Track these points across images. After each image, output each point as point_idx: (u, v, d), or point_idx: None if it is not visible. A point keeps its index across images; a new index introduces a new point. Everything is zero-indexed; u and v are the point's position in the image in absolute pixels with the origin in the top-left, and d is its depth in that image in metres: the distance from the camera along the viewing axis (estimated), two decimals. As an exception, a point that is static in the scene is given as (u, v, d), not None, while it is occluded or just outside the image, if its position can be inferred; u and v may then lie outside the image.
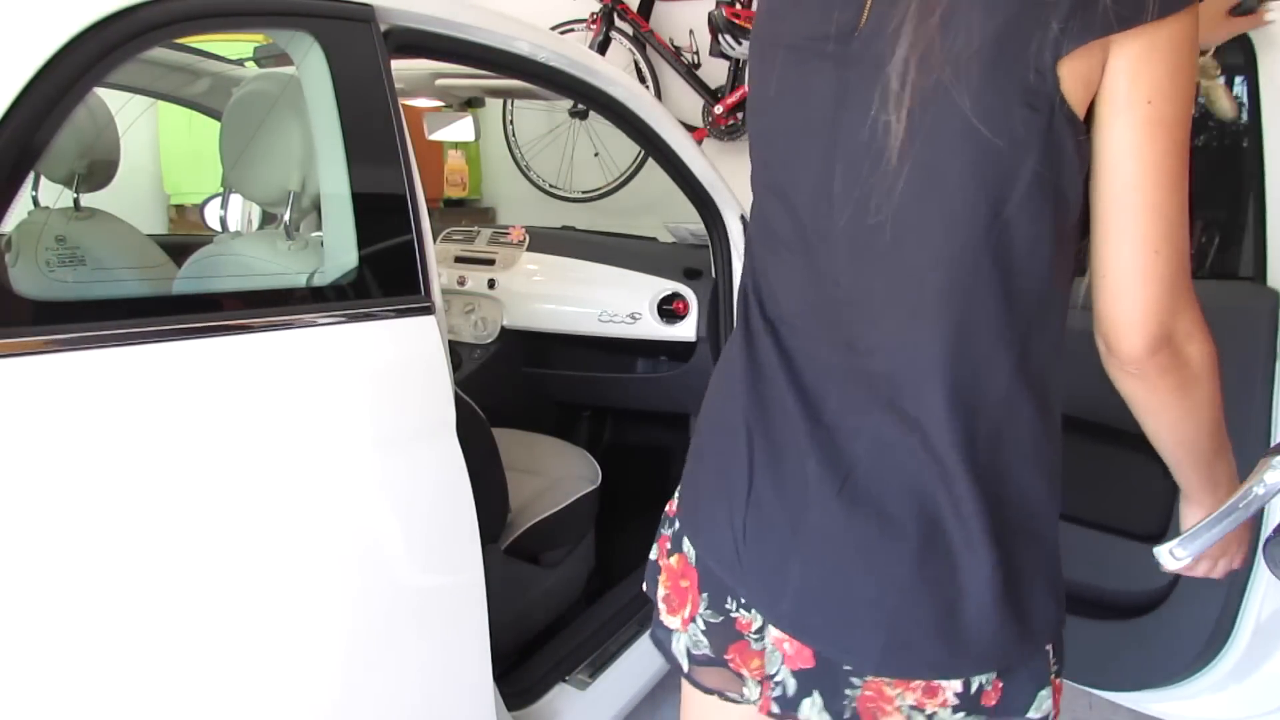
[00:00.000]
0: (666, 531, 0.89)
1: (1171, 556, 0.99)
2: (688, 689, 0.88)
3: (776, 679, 0.76)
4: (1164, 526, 1.31)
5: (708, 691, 0.84)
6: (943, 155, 0.63)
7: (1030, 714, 0.75)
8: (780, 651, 0.76)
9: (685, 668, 0.84)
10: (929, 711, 0.71)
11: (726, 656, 0.81)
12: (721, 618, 0.80)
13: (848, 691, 0.73)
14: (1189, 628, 1.25)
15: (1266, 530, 1.17)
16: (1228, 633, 1.23)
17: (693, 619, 0.82)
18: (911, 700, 0.71)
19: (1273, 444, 1.17)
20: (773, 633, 0.76)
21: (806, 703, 0.75)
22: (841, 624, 0.72)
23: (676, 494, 0.88)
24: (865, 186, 0.65)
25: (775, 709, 0.76)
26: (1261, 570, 1.19)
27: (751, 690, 0.81)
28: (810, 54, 0.69)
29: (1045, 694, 0.76)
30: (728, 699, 0.84)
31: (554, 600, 1.79)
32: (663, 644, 0.86)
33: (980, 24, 0.59)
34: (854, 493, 0.70)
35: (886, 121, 0.63)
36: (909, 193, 0.64)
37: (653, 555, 0.92)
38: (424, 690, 1.16)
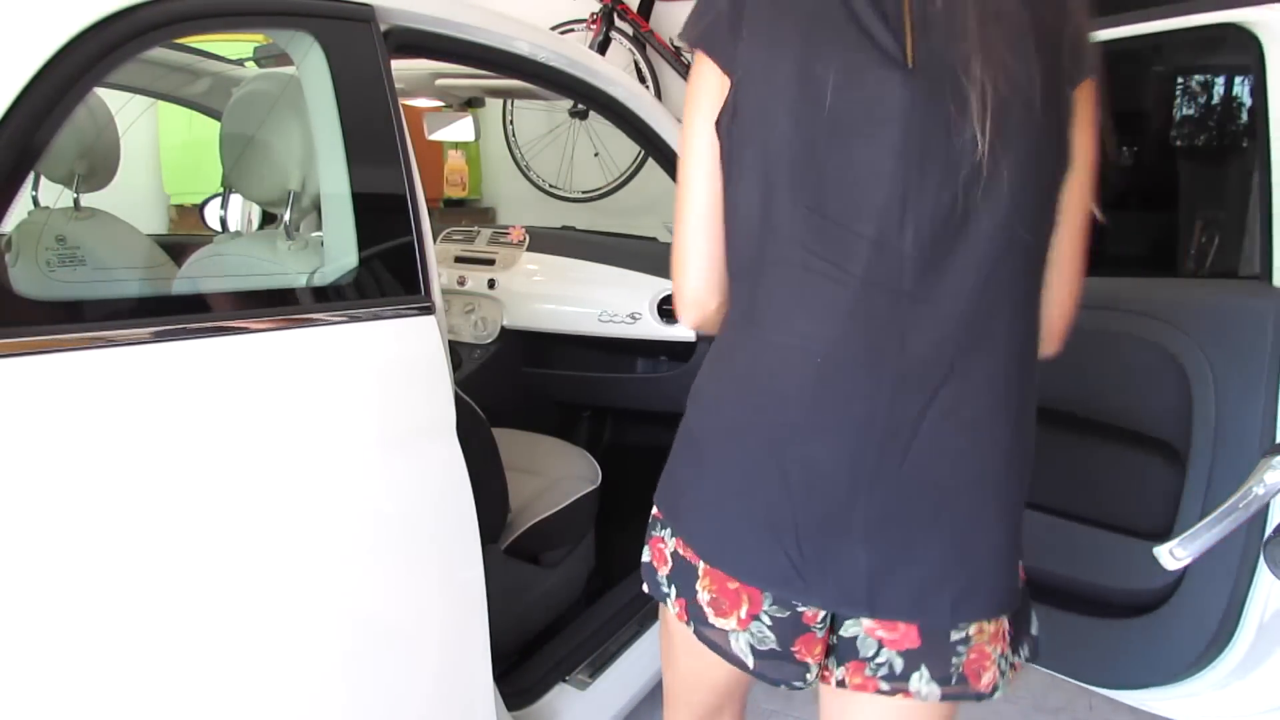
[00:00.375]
0: (664, 534, 0.91)
1: (1172, 556, 0.99)
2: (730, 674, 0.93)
3: (879, 660, 0.83)
4: (1166, 525, 1.31)
5: (774, 683, 0.87)
6: (1023, 163, 0.74)
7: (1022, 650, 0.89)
8: (875, 639, 0.83)
9: (751, 665, 0.86)
10: (1003, 653, 0.84)
11: (793, 649, 0.85)
12: (788, 613, 0.84)
13: (954, 660, 0.82)
14: (1191, 627, 1.24)
15: (1266, 530, 1.17)
16: (1230, 632, 1.23)
17: (755, 616, 0.85)
18: (999, 650, 0.84)
19: (1276, 443, 1.17)
20: (864, 623, 0.83)
21: (915, 676, 0.83)
22: (931, 593, 0.80)
23: (667, 497, 0.92)
24: (950, 195, 0.74)
25: (884, 686, 0.84)
26: (1263, 570, 1.19)
27: (812, 673, 0.86)
28: (859, 70, 0.74)
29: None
30: (793, 688, 0.87)
31: (554, 600, 1.79)
32: (718, 645, 0.88)
33: (1033, 51, 0.73)
34: (909, 475, 0.78)
35: (973, 135, 0.72)
36: (994, 199, 0.74)
37: (646, 558, 0.95)
38: (424, 690, 1.16)
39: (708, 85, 0.81)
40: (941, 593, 0.80)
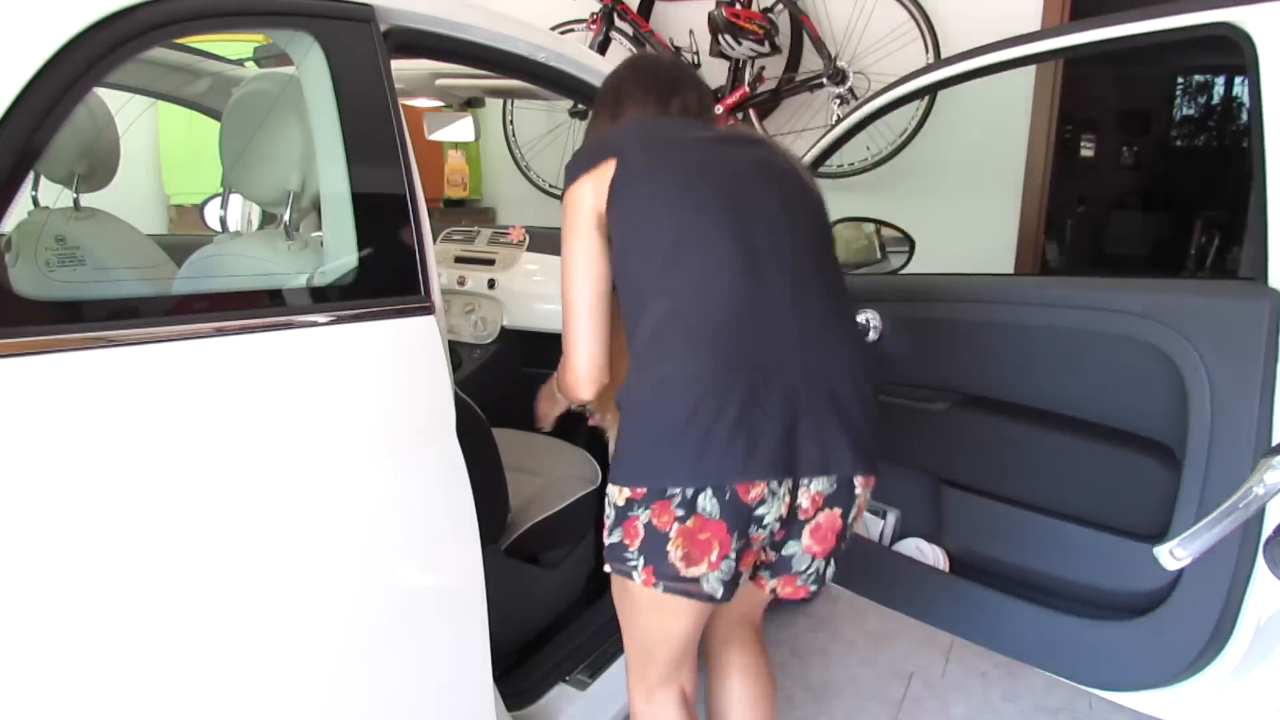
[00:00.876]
0: (640, 511, 1.06)
1: (1172, 556, 1.00)
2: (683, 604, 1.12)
3: (809, 570, 1.17)
4: (1162, 526, 1.31)
5: (726, 600, 1.10)
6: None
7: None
8: (809, 554, 1.15)
9: (720, 596, 1.08)
10: (867, 495, 1.17)
11: (742, 570, 1.10)
12: (744, 542, 1.07)
13: (852, 499, 1.13)
14: (1189, 628, 1.25)
15: (1266, 530, 1.17)
16: (1228, 633, 1.23)
17: (725, 556, 1.06)
18: (868, 494, 1.17)
19: (1274, 444, 1.17)
20: (802, 542, 1.13)
21: (829, 571, 1.19)
22: (849, 458, 1.09)
23: (633, 478, 1.06)
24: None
25: (813, 588, 1.18)
26: (1260, 571, 1.19)
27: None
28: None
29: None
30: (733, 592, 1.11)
31: (554, 600, 1.79)
32: (690, 591, 1.07)
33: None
34: (825, 394, 1.08)
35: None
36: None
37: (615, 538, 1.10)
38: (424, 690, 1.16)
39: None
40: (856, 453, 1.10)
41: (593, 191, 1.15)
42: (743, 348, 1.05)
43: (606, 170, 1.14)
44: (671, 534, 1.04)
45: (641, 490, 1.05)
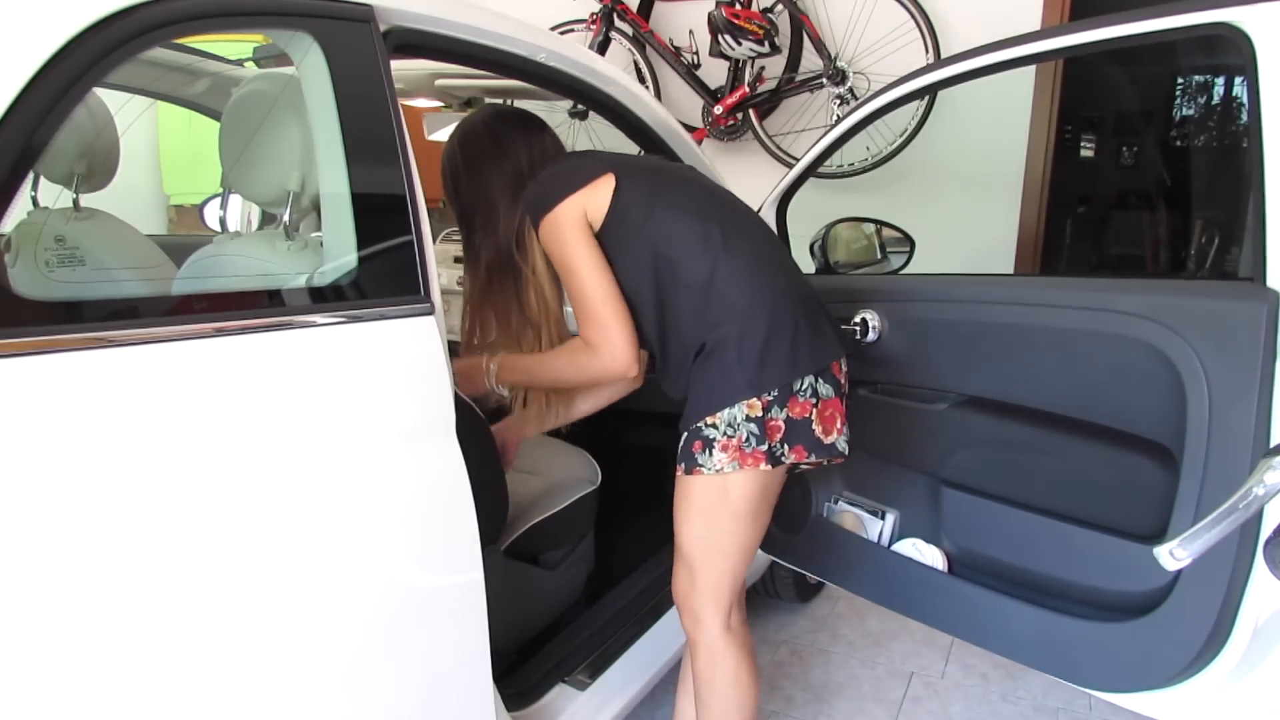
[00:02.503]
0: (776, 411, 1.30)
1: (1172, 557, 1.00)
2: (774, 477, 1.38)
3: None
4: (1160, 527, 1.31)
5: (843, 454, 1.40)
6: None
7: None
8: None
9: (846, 453, 1.39)
10: None
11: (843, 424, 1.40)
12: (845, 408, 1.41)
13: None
14: (1187, 629, 1.25)
15: (1266, 530, 1.17)
16: (1226, 634, 1.23)
17: (845, 421, 1.39)
18: None
19: (1273, 444, 1.17)
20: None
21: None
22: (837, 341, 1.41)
23: (760, 387, 1.29)
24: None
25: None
26: (1258, 572, 1.19)
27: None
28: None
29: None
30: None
31: (553, 601, 1.79)
32: (830, 454, 1.36)
33: None
34: (810, 304, 1.39)
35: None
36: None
37: (762, 445, 1.30)
38: (424, 691, 1.16)
39: None
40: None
41: (589, 206, 1.34)
42: (775, 285, 1.35)
43: (604, 184, 1.34)
44: (812, 417, 1.33)
45: (773, 394, 1.29)
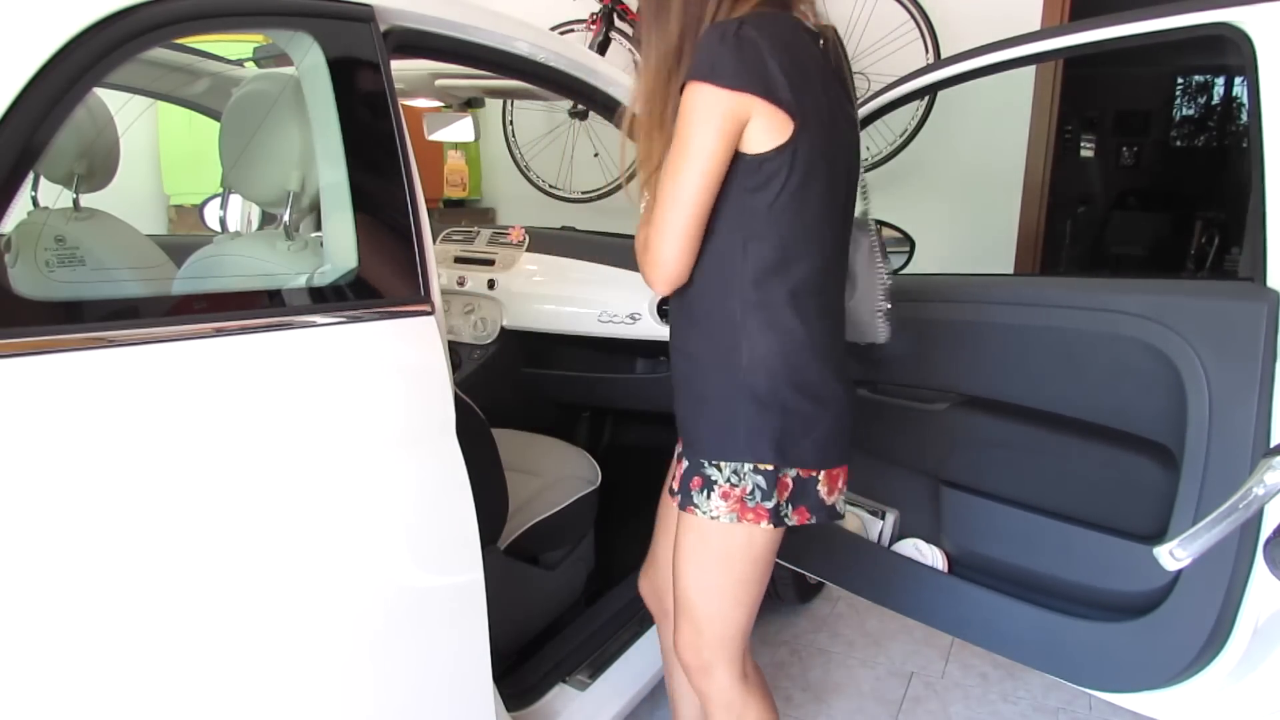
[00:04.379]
0: (790, 471, 1.17)
1: (1172, 557, 1.00)
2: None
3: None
4: (1160, 527, 1.31)
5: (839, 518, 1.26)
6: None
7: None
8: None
9: (843, 514, 1.26)
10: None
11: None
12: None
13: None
14: (1187, 629, 1.25)
15: (1266, 530, 1.17)
16: (1226, 634, 1.23)
17: (846, 482, 1.24)
18: None
19: (1273, 444, 1.17)
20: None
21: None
22: None
23: (791, 455, 1.15)
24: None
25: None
26: (1260, 571, 1.19)
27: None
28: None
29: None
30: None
31: (553, 601, 1.79)
32: (830, 515, 1.22)
33: None
34: None
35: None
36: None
37: (769, 503, 1.15)
38: (424, 691, 1.16)
39: (739, 119, 1.06)
40: None
41: (753, 123, 1.07)
42: (840, 347, 1.22)
43: (781, 122, 1.07)
44: (819, 476, 1.18)
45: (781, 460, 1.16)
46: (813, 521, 1.19)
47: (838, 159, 1.16)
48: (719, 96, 1.04)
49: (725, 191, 1.10)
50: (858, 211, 1.29)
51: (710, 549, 1.19)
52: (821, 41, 1.16)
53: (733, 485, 1.14)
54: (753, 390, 1.12)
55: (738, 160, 1.08)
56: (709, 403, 1.16)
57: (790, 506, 1.16)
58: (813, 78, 1.10)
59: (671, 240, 1.09)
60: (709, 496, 1.15)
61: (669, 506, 1.44)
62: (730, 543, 1.18)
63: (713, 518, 1.16)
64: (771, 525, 1.15)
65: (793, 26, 1.11)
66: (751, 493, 1.14)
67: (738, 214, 1.11)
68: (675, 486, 1.24)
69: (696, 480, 1.17)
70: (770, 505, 1.14)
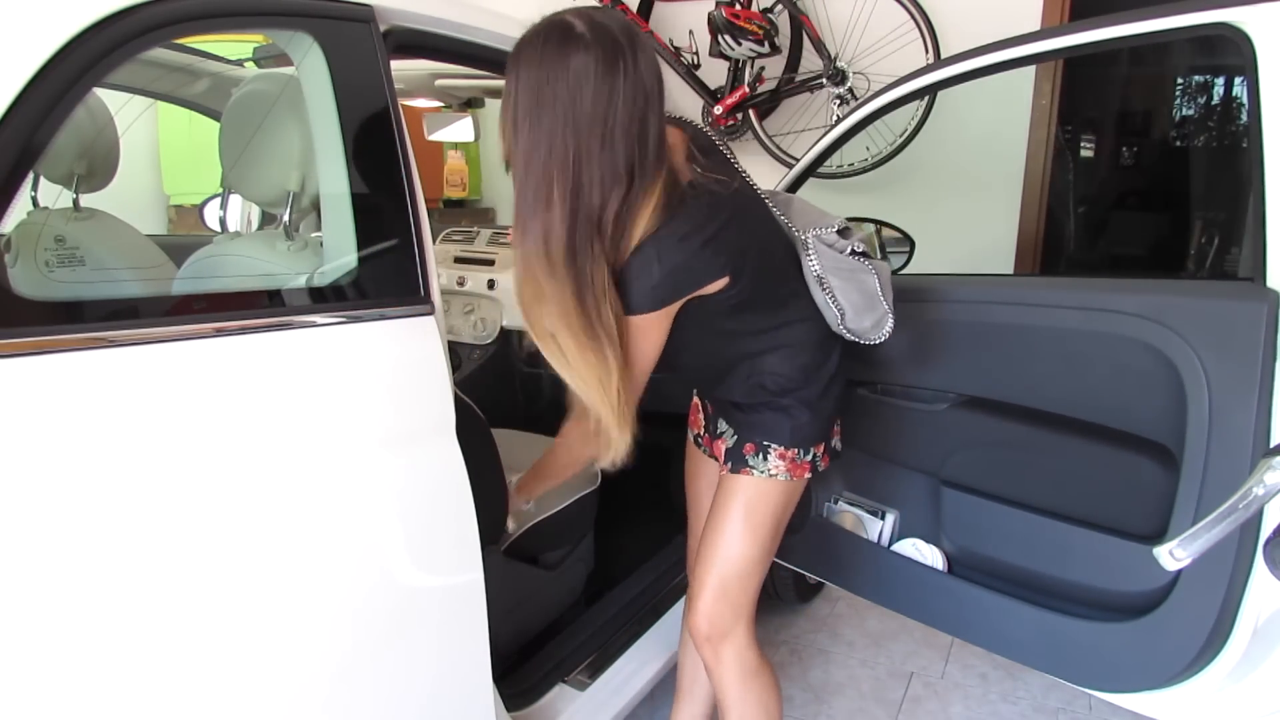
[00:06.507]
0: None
1: (1172, 557, 1.00)
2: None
3: None
4: (1160, 527, 1.31)
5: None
6: None
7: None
8: None
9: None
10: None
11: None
12: None
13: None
14: (1187, 629, 1.25)
15: (1266, 530, 1.17)
16: (1226, 634, 1.23)
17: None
18: None
19: (1273, 444, 1.17)
20: None
21: None
22: None
23: (825, 429, 1.37)
24: None
25: None
26: (1260, 571, 1.19)
27: None
28: None
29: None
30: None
31: (553, 601, 1.79)
32: (836, 452, 1.44)
33: None
34: None
35: None
36: None
37: (808, 455, 1.35)
38: (424, 691, 1.16)
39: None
40: None
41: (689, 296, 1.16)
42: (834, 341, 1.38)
43: (714, 286, 1.15)
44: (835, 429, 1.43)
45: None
46: (828, 464, 1.39)
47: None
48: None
49: None
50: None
51: (769, 505, 1.33)
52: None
53: (786, 448, 1.31)
54: (779, 401, 1.32)
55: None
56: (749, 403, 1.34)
57: (817, 455, 1.36)
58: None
59: None
60: (766, 459, 1.31)
61: (703, 496, 1.53)
62: (782, 498, 1.34)
63: (772, 475, 1.31)
64: (810, 476, 1.35)
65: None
66: (799, 453, 1.32)
67: None
68: (721, 456, 1.37)
69: (750, 446, 1.32)
70: (809, 459, 1.34)
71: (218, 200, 1.76)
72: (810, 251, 1.30)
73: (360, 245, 1.12)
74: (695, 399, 1.54)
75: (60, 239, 1.23)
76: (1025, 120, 3.06)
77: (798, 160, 1.85)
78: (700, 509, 1.55)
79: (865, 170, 3.10)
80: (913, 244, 1.98)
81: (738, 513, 1.33)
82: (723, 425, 1.41)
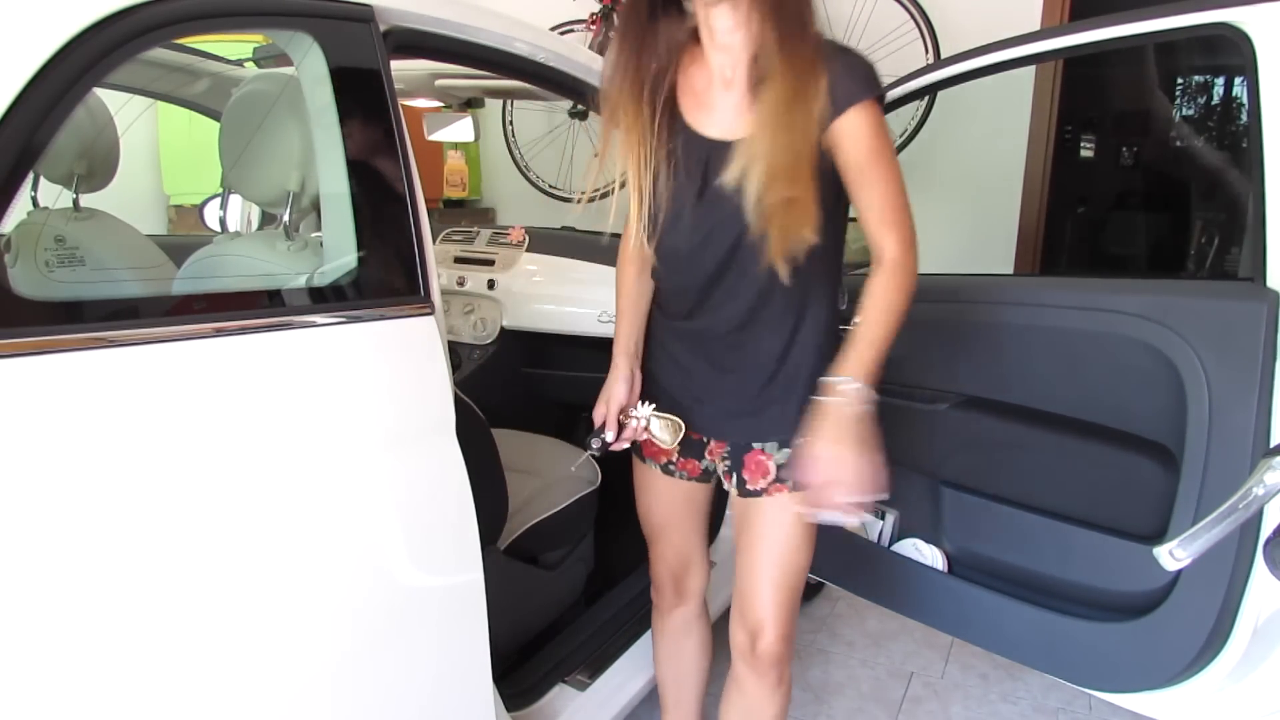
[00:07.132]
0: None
1: (1172, 557, 1.00)
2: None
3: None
4: (1160, 527, 1.31)
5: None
6: None
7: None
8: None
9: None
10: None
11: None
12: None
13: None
14: (1187, 629, 1.25)
15: (1266, 530, 1.17)
16: (1226, 634, 1.23)
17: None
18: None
19: (1273, 444, 1.17)
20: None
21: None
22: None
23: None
24: None
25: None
26: (1258, 572, 1.19)
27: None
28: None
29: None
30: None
31: (553, 601, 1.79)
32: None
33: None
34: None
35: None
36: None
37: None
38: (424, 691, 1.16)
39: None
40: None
41: None
42: None
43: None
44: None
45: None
46: None
47: None
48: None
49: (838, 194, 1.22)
50: None
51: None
52: None
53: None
54: (824, 363, 1.26)
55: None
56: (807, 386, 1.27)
57: None
58: None
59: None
60: None
61: (677, 521, 1.47)
62: None
63: None
64: None
65: None
66: None
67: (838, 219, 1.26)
68: (762, 484, 1.29)
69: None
70: None
71: (218, 200, 1.76)
72: None
73: (360, 245, 1.12)
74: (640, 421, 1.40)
75: (60, 239, 1.23)
76: (1025, 120, 3.06)
77: (798, 160, 1.85)
78: (673, 535, 1.46)
79: (865, 170, 3.10)
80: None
81: (794, 525, 1.26)
82: (760, 440, 1.29)
